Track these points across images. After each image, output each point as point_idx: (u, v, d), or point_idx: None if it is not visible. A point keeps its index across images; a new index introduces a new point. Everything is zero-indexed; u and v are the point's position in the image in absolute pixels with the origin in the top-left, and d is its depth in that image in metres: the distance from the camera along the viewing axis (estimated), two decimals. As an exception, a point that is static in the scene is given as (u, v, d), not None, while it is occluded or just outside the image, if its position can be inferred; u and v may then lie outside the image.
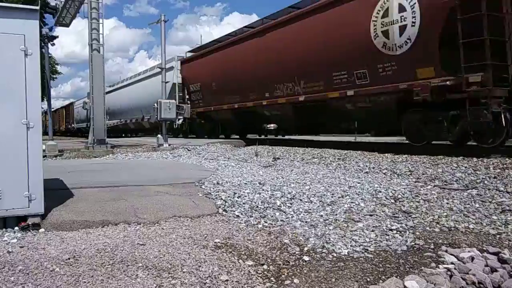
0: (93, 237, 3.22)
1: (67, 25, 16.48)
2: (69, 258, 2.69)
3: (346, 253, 3.01)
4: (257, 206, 4.27)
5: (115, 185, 5.10)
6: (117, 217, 3.73)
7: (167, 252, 2.85)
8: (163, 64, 14.00)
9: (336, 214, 3.99)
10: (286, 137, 18.99)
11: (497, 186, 4.74)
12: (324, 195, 4.68)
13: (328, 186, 5.15)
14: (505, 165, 5.67)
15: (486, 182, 4.99)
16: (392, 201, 4.46)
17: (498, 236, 3.36)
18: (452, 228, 3.54)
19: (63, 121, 49.53)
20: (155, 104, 13.24)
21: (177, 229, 3.46)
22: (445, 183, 5.22)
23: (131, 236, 3.24)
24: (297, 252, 3.04)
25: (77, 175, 6.07)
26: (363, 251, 3.05)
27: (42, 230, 3.38)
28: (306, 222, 3.78)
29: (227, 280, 2.47)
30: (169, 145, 12.84)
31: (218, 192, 4.86)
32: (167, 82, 14.76)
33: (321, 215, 3.97)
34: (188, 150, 11.69)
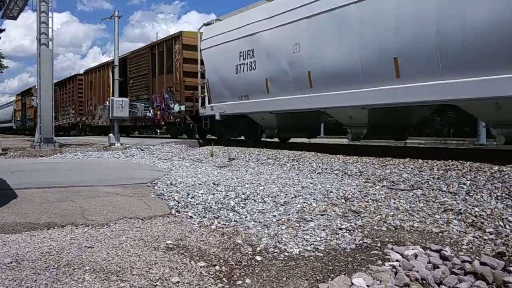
0: (38, 240, 3.08)
1: (15, 18, 15.68)
2: (11, 262, 2.56)
3: (297, 252, 3.06)
4: (211, 207, 4.25)
5: (62, 186, 4.91)
6: (64, 219, 3.60)
7: (116, 255, 2.78)
8: (116, 61, 13.62)
9: (289, 214, 4.04)
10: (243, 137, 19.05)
11: (440, 187, 4.99)
12: (277, 195, 4.74)
13: (282, 187, 5.22)
14: (448, 167, 5.98)
15: (430, 182, 5.25)
16: (343, 201, 4.58)
17: (440, 234, 3.53)
18: (398, 227, 3.69)
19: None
20: (107, 102, 12.86)
21: (127, 231, 3.38)
22: (392, 183, 5.43)
23: (78, 239, 3.13)
24: (249, 252, 3.06)
25: (21, 175, 5.78)
26: (314, 250, 3.11)
27: (-19, 233, 3.19)
28: (259, 222, 3.80)
29: (178, 282, 2.44)
30: (121, 144, 12.52)
31: (171, 192, 4.79)
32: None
33: (274, 215, 4.01)
34: (141, 150, 11.44)
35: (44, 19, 12.04)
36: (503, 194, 4.42)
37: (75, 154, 10.55)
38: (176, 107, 16.17)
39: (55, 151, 11.28)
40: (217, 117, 13.03)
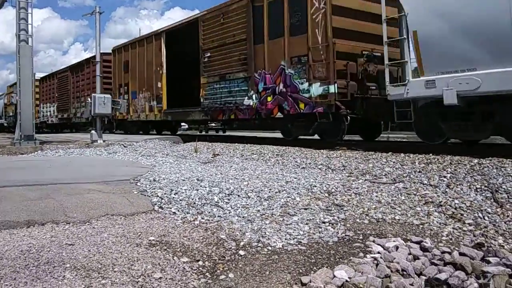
0: (17, 238, 3.03)
1: (-6, 14, 15.30)
2: (-11, 261, 2.51)
3: (280, 246, 3.07)
4: (195, 203, 4.24)
5: (43, 183, 4.83)
6: (44, 216, 3.54)
7: (97, 252, 2.75)
8: (98, 57, 13.43)
9: (273, 209, 4.06)
10: (227, 133, 19.01)
11: (421, 180, 5.06)
12: (261, 190, 4.75)
13: (266, 182, 5.23)
14: (429, 160, 6.07)
15: (411, 176, 5.32)
16: (326, 195, 4.61)
17: (421, 226, 3.59)
18: (380, 220, 3.74)
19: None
20: (89, 99, 12.68)
21: (109, 227, 3.35)
22: (375, 177, 5.49)
23: (59, 236, 3.08)
24: (233, 247, 3.06)
25: (1, 173, 5.67)
26: (297, 243, 3.13)
27: (-42, 232, 3.12)
28: (243, 217, 3.81)
29: (160, 278, 2.43)
30: (104, 141, 12.37)
31: (155, 189, 4.76)
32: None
33: (258, 210, 4.02)
34: (124, 146, 11.32)
35: (24, 15, 11.86)
36: (482, 186, 4.51)
37: (56, 151, 10.38)
38: (316, 88, 9.50)
39: (36, 149, 11.09)
40: (450, 101, 6.74)
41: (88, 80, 22.15)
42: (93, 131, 12.66)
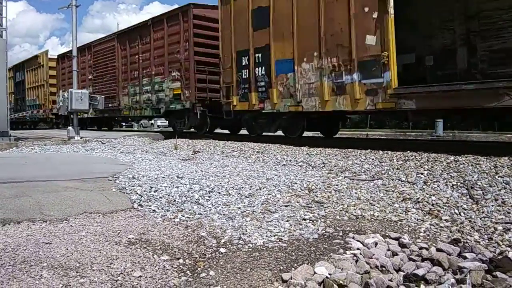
0: (-9, 237, 2.94)
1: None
2: (-39, 261, 2.44)
3: (261, 243, 3.08)
4: (175, 200, 4.20)
5: (18, 181, 4.71)
6: (20, 214, 3.45)
7: (75, 250, 2.70)
8: (74, 51, 13.16)
9: (254, 206, 4.06)
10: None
11: (399, 177, 5.14)
12: (242, 187, 4.74)
13: (247, 179, 5.23)
14: (407, 157, 6.17)
15: (390, 173, 5.40)
16: (307, 192, 4.64)
17: (399, 222, 3.65)
18: (359, 216, 3.78)
19: None
20: (65, 94, 12.41)
21: (87, 226, 3.29)
22: (354, 174, 5.55)
23: (36, 235, 3.02)
24: (214, 245, 3.05)
25: (-27, 171, 5.51)
26: (278, 240, 3.14)
27: None
28: (224, 214, 3.80)
29: (140, 276, 2.40)
30: (81, 137, 12.14)
31: (134, 186, 4.70)
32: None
33: (239, 207, 4.02)
34: (102, 143, 11.15)
35: (-3, 8, 11.49)
36: (458, 183, 4.61)
37: (32, 148, 10.15)
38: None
39: (11, 145, 10.79)
40: None
41: (159, 51, 13.92)
42: (70, 128, 12.41)
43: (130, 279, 2.36)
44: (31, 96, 25.61)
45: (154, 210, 3.88)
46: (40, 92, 24.37)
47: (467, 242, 3.09)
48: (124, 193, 4.45)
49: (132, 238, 3.05)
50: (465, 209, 3.86)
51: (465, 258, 2.72)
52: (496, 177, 4.64)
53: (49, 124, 24.55)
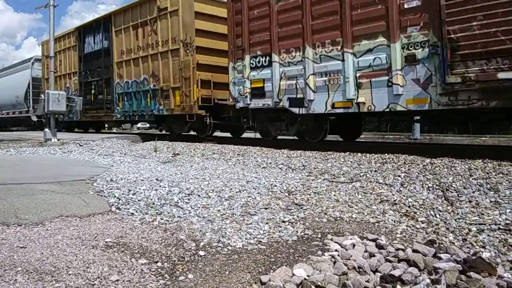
0: (-37, 242, 2.86)
1: None
2: None
3: (241, 246, 3.08)
4: (153, 203, 4.16)
5: (-9, 184, 4.58)
6: (-7, 219, 3.36)
7: (51, 254, 2.65)
8: (51, 51, 12.92)
9: (233, 209, 4.06)
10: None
11: (377, 179, 5.22)
12: (222, 190, 4.73)
13: (227, 181, 5.22)
14: (384, 160, 6.27)
15: (368, 175, 5.48)
16: (286, 194, 4.67)
17: (377, 224, 3.71)
18: (338, 218, 3.82)
19: None
20: (42, 95, 12.15)
21: (63, 229, 3.23)
22: (333, 176, 5.61)
23: (10, 239, 2.95)
24: (193, 248, 3.04)
25: None
26: (257, 243, 3.15)
27: None
28: (203, 217, 3.78)
29: (117, 280, 2.37)
30: (58, 140, 11.91)
31: (112, 189, 4.64)
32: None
33: (219, 210, 4.01)
34: (80, 145, 10.96)
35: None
36: (434, 185, 4.71)
37: (7, 150, 9.90)
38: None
39: (-16, 147, 10.51)
40: None
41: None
42: (46, 129, 12.15)
43: (107, 283, 2.33)
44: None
45: (132, 213, 3.84)
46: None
47: (442, 243, 3.16)
48: (101, 196, 4.38)
49: (110, 241, 3.01)
50: (440, 211, 3.95)
51: (440, 259, 2.78)
52: (471, 179, 4.76)
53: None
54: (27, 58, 25.56)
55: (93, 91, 16.12)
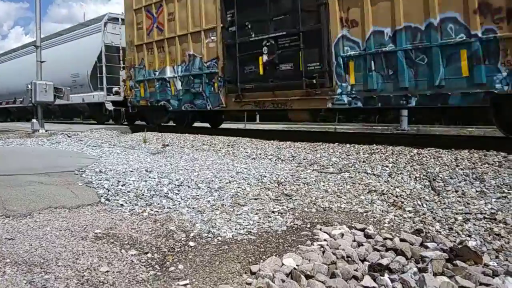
0: (-51, 234, 2.83)
1: None
2: None
3: (230, 236, 3.10)
4: (143, 194, 4.16)
5: (-22, 176, 4.53)
6: (-20, 210, 3.33)
7: (40, 246, 2.64)
8: (38, 41, 12.70)
9: (223, 199, 4.07)
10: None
11: (365, 169, 5.27)
12: (212, 181, 4.74)
13: (217, 172, 5.23)
14: (372, 150, 6.32)
15: (356, 165, 5.52)
16: (276, 185, 4.69)
17: (365, 214, 3.75)
18: (327, 208, 3.86)
19: None
20: (29, 85, 11.96)
21: (52, 221, 3.21)
22: (322, 167, 5.65)
23: (-3, 231, 2.92)
24: (183, 239, 3.05)
25: None
26: (247, 233, 3.17)
27: None
28: (193, 208, 3.79)
29: (107, 271, 2.38)
30: (46, 131, 11.77)
31: (101, 180, 4.62)
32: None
33: (209, 201, 4.02)
34: (69, 136, 10.85)
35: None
36: (421, 175, 4.77)
37: (-7, 142, 9.77)
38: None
39: (-30, 139, 10.36)
40: None
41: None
42: (34, 120, 11.99)
43: (96, 274, 2.33)
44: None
45: (122, 205, 3.83)
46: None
47: (429, 232, 3.21)
48: (90, 187, 4.36)
49: (99, 233, 3.01)
50: (427, 201, 4.01)
51: (427, 247, 2.82)
52: (457, 169, 4.83)
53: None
54: (95, 17, 16.98)
55: (264, 57, 8.58)
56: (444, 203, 3.90)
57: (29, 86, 11.92)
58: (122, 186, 4.41)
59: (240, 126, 16.67)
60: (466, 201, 3.87)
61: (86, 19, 18.63)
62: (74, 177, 4.81)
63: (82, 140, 10.01)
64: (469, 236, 3.16)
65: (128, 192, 4.21)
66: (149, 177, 4.81)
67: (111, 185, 4.42)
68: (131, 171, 5.16)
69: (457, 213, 3.61)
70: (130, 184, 4.49)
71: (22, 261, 2.42)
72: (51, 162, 5.99)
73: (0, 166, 5.46)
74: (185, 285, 2.32)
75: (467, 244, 2.89)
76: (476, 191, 4.11)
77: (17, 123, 18.97)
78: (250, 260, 2.66)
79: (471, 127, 14.48)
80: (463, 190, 4.16)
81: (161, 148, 8.59)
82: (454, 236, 3.17)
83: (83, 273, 2.32)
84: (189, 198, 4.09)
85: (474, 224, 3.34)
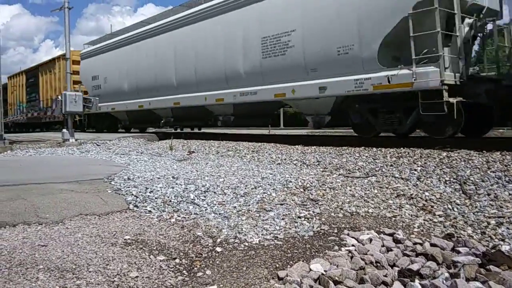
0: (-13, 241, 2.94)
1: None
2: (-43, 266, 2.43)
3: (257, 242, 3.10)
4: (170, 201, 4.21)
5: (13, 184, 4.69)
6: (15, 218, 3.45)
7: (71, 252, 2.70)
8: (68, 53, 13.10)
9: (249, 205, 4.08)
10: (202, 130, 18.81)
11: (393, 173, 5.19)
12: (238, 187, 4.76)
13: (242, 178, 5.25)
14: (400, 154, 6.22)
15: (384, 169, 5.44)
16: (301, 190, 4.67)
17: (393, 218, 3.69)
18: (354, 213, 3.81)
19: None
20: (59, 97, 12.34)
21: (83, 227, 3.29)
22: (348, 171, 5.59)
23: (31, 237, 3.01)
24: (210, 244, 3.07)
25: (-33, 175, 5.48)
26: (273, 238, 3.16)
27: None
28: (219, 214, 3.81)
29: (137, 277, 2.41)
30: (76, 140, 12.10)
31: (129, 187, 4.70)
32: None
33: (235, 207, 4.03)
34: (97, 145, 11.12)
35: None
36: (451, 179, 4.66)
37: (27, 151, 10.09)
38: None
39: (5, 149, 10.73)
40: None
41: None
42: (64, 130, 12.35)
43: (126, 279, 2.37)
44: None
45: (149, 211, 3.89)
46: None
47: (460, 237, 3.13)
48: (119, 194, 4.45)
49: (128, 239, 3.06)
50: (458, 204, 3.91)
51: (458, 252, 2.75)
52: (489, 172, 4.69)
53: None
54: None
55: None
56: (476, 207, 3.79)
57: (60, 97, 12.30)
58: (149, 192, 4.48)
59: (265, 131, 16.69)
60: (499, 204, 3.76)
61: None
62: (103, 184, 4.92)
63: (111, 149, 10.24)
64: (503, 240, 3.06)
65: (155, 198, 4.27)
66: (176, 184, 4.87)
67: (139, 192, 4.50)
68: (158, 178, 5.24)
69: (489, 217, 3.50)
70: (158, 190, 4.55)
71: (55, 267, 2.48)
72: (81, 170, 6.15)
73: (33, 175, 5.64)
74: (213, 290, 2.33)
75: (500, 249, 2.80)
76: (509, 194, 3.98)
77: (49, 133, 19.51)
78: (277, 265, 2.65)
79: (502, 128, 14.04)
80: (495, 193, 4.04)
81: (187, 155, 8.69)
82: (487, 241, 3.08)
83: (113, 278, 2.36)
84: (215, 204, 4.11)
85: (507, 228, 3.23)
